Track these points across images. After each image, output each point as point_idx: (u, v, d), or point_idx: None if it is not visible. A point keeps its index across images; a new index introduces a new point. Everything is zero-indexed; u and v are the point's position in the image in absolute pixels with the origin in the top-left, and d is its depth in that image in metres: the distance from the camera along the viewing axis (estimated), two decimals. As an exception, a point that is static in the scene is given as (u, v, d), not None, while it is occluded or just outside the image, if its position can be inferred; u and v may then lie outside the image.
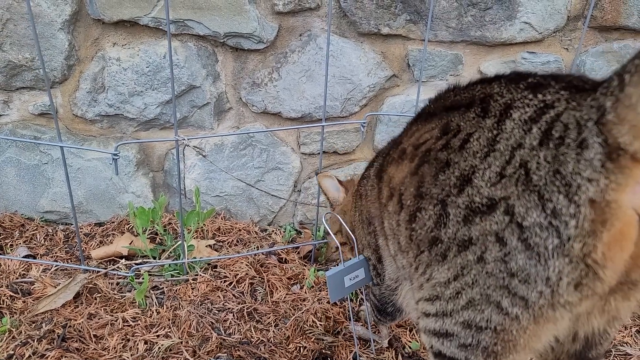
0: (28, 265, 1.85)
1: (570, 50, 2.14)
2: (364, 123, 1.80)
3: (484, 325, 0.91)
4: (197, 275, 1.79)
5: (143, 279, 1.68)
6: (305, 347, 1.48)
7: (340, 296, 1.37)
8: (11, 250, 2.03)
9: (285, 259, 1.96)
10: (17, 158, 2.15)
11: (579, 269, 0.80)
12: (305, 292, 1.74)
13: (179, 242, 1.85)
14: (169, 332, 1.51)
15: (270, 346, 1.48)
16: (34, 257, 1.99)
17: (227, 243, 2.06)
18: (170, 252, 1.95)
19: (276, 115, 2.17)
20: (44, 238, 2.11)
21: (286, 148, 2.23)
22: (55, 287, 1.68)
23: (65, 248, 2.06)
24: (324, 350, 1.48)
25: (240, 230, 2.17)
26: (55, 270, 1.82)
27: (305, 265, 1.92)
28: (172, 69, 1.53)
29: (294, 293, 1.74)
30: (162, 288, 1.75)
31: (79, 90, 2.08)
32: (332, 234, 1.44)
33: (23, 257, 1.95)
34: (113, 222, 2.21)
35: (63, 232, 2.17)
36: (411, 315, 1.31)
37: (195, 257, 1.86)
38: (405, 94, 2.16)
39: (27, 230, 2.14)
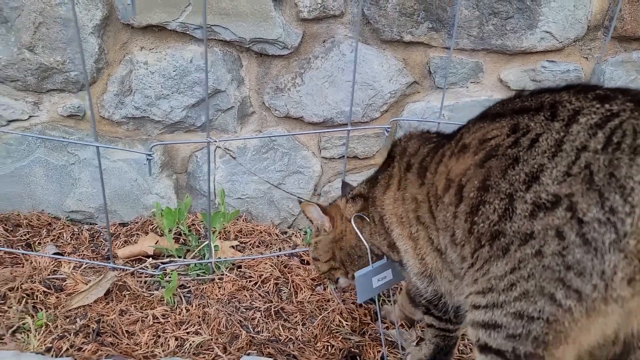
0: (58, 263, 1.89)
1: (590, 60, 2.18)
2: (388, 128, 1.84)
3: (536, 315, 0.95)
4: (222, 274, 1.83)
5: (171, 277, 1.72)
6: (334, 346, 1.51)
7: (368, 297, 1.40)
8: (39, 247, 2.07)
9: (307, 261, 1.99)
10: (45, 158, 2.20)
11: (632, 264, 0.85)
12: (330, 294, 1.78)
13: (206, 242, 1.89)
14: (199, 329, 1.55)
15: (299, 344, 1.52)
16: (62, 255, 2.04)
17: (250, 244, 2.10)
18: (195, 252, 1.99)
19: (298, 119, 2.21)
20: (70, 237, 2.16)
21: (307, 152, 2.27)
22: (86, 284, 1.72)
23: (91, 247, 2.11)
24: (352, 349, 1.51)
25: (261, 232, 2.21)
26: (84, 267, 1.87)
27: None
28: (207, 72, 1.58)
29: (318, 294, 1.78)
30: (189, 287, 1.79)
31: (107, 93, 2.13)
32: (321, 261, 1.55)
33: (52, 254, 2.00)
34: (137, 223, 2.26)
35: (88, 231, 2.21)
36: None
37: (219, 257, 1.90)
38: (425, 100, 2.20)
39: (54, 229, 2.19)
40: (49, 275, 1.78)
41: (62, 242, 2.13)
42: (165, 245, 1.97)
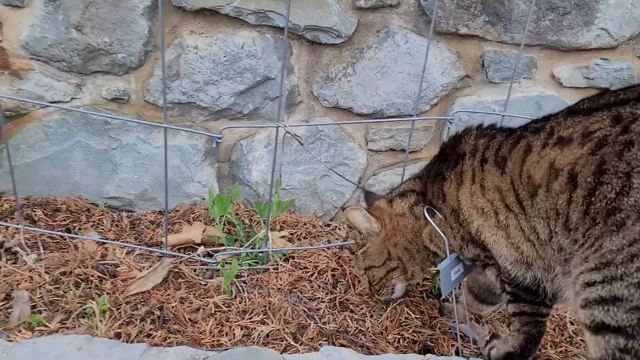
0: (104, 249, 1.84)
1: (643, 59, 2.17)
2: (451, 119, 1.81)
3: None
4: (277, 265, 1.79)
5: (227, 266, 1.67)
6: (406, 338, 1.48)
7: (450, 290, 1.37)
8: (80, 233, 2.01)
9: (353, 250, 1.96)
10: (86, 142, 2.14)
11: None
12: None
13: (263, 231, 1.84)
14: (265, 318, 1.51)
15: (371, 336, 1.48)
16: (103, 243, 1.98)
17: (296, 235, 2.06)
18: (250, 241, 1.95)
19: (346, 110, 2.17)
20: (110, 223, 2.10)
21: (353, 144, 2.23)
22: (141, 271, 1.67)
23: (134, 234, 2.05)
24: (427, 343, 1.48)
25: (305, 224, 2.17)
26: (134, 254, 1.82)
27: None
28: (284, 58, 1.53)
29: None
30: (243, 276, 1.74)
31: (153, 77, 2.08)
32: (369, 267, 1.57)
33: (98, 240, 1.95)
34: (177, 211, 2.20)
35: (128, 218, 2.16)
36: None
37: (274, 247, 1.86)
38: (476, 95, 2.17)
39: (93, 214, 2.13)
40: (101, 260, 1.72)
41: (102, 229, 2.07)
42: (215, 234, 1.92)
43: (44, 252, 1.76)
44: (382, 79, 2.11)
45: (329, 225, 2.26)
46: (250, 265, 1.82)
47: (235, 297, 1.62)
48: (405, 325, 1.56)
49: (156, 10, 2.00)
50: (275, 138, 1.71)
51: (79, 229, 2.04)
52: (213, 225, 2.08)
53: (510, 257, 1.29)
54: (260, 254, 1.84)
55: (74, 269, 1.64)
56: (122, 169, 2.17)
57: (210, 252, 1.88)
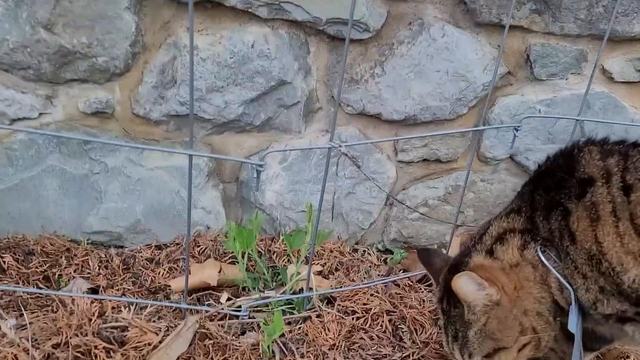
0: (101, 304, 1.46)
1: (695, 48, 1.95)
2: (518, 126, 1.54)
3: None
4: (320, 311, 1.46)
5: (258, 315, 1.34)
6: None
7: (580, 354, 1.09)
8: (63, 282, 1.63)
9: (408, 285, 1.66)
10: (61, 167, 1.74)
11: None
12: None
13: (296, 269, 1.51)
14: (329, 392, 1.19)
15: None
16: (96, 292, 1.61)
17: (327, 268, 1.74)
18: (267, 281, 1.61)
19: (374, 117, 1.87)
20: (98, 265, 1.73)
21: (381, 155, 1.93)
22: (156, 333, 1.31)
23: (130, 278, 1.69)
24: None
25: (332, 251, 1.85)
26: (144, 309, 1.45)
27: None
28: (346, 55, 1.21)
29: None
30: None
31: (143, 85, 1.70)
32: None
33: (87, 291, 1.57)
34: (178, 244, 1.85)
35: (119, 256, 1.78)
36: None
37: (312, 289, 1.54)
38: (519, 94, 1.91)
39: (75, 255, 1.75)
40: (102, 323, 1.35)
41: (89, 273, 1.69)
42: (236, 275, 1.58)
43: (26, 314, 1.37)
44: (416, 80, 1.81)
45: (356, 250, 1.95)
46: (285, 313, 1.49)
47: (285, 359, 1.29)
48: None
49: (142, 2, 1.63)
50: (327, 159, 1.39)
51: (60, 275, 1.66)
52: (227, 262, 1.74)
53: None
54: (296, 299, 1.52)
55: (70, 338, 1.27)
56: (108, 197, 1.79)
57: (231, 298, 1.54)
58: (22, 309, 1.40)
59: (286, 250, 1.82)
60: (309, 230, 1.56)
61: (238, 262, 1.77)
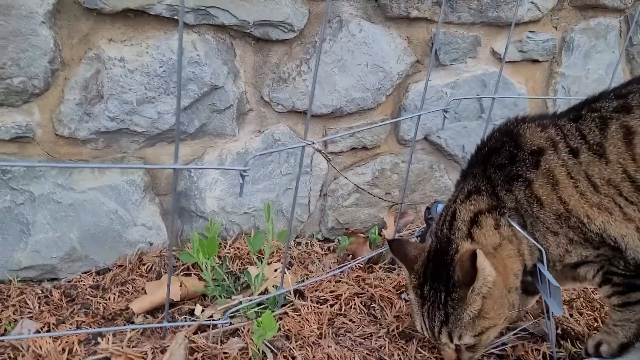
0: (66, 342, 1.36)
1: (559, 29, 2.29)
2: (448, 109, 1.69)
3: None
4: (293, 306, 1.50)
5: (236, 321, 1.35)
6: (491, 354, 1.34)
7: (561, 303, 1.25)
8: (2, 327, 1.48)
9: (367, 268, 1.76)
10: (-22, 202, 1.57)
11: None
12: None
13: (267, 271, 1.53)
14: (337, 378, 1.24)
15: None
16: (48, 330, 1.49)
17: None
18: (229, 287, 1.62)
19: (303, 113, 1.93)
20: (37, 303, 1.59)
21: (311, 149, 1.99)
22: (145, 358, 1.26)
23: (80, 309, 1.58)
24: (511, 355, 1.36)
25: (280, 248, 1.89)
26: (113, 336, 1.38)
27: (391, 271, 1.75)
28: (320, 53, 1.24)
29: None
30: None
31: (65, 103, 1.59)
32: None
33: (35, 332, 1.45)
34: (121, 266, 1.76)
35: (57, 289, 1.66)
36: None
37: (276, 287, 1.57)
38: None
39: (9, 296, 1.59)
40: (85, 357, 1.26)
41: (30, 312, 1.55)
42: (194, 286, 1.56)
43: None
44: (340, 74, 1.90)
45: (299, 243, 2.01)
46: (258, 314, 1.51)
47: (277, 358, 1.31)
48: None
49: (60, 14, 1.52)
50: (300, 157, 1.42)
51: (-1, 320, 1.51)
52: (181, 275, 1.71)
53: None
54: (267, 299, 1.54)
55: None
56: (37, 227, 1.65)
57: (204, 308, 1.52)
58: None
59: (237, 253, 1.82)
60: (269, 229, 1.58)
61: (191, 274, 1.76)
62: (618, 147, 1.19)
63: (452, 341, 1.27)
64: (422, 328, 1.32)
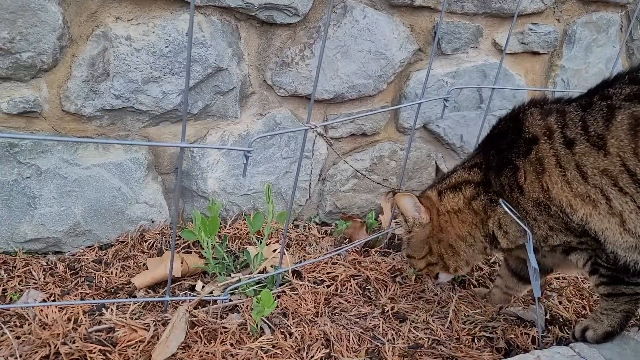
0: (71, 312, 1.41)
1: (561, 21, 2.31)
2: (448, 98, 1.72)
3: None
4: (291, 286, 1.55)
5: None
6: (481, 338, 1.39)
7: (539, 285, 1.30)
8: (8, 297, 1.53)
9: (364, 251, 1.80)
10: (-15, 174, 1.61)
11: None
12: (421, 283, 1.62)
13: (266, 251, 1.57)
14: (330, 352, 1.29)
15: (450, 345, 1.36)
16: (54, 301, 1.53)
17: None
18: (229, 265, 1.66)
19: (305, 97, 1.96)
20: (43, 274, 1.63)
21: (312, 133, 2.03)
22: (146, 330, 1.31)
23: (84, 282, 1.62)
24: (509, 339, 1.40)
25: (278, 230, 1.93)
26: (117, 308, 1.42)
27: (387, 255, 1.79)
28: (326, 33, 1.27)
29: (407, 285, 1.62)
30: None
31: (72, 79, 1.63)
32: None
33: (41, 301, 1.49)
34: (123, 242, 1.80)
35: (61, 262, 1.70)
36: None
37: (274, 267, 1.61)
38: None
39: (15, 267, 1.64)
40: (90, 326, 1.31)
41: (36, 283, 1.60)
42: (198, 263, 1.60)
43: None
44: (343, 60, 1.93)
45: (297, 226, 2.05)
46: (256, 292, 1.55)
47: (276, 334, 1.36)
48: (471, 323, 1.47)
49: (68, -8, 1.55)
50: (303, 141, 1.45)
51: (5, 289, 1.55)
52: (182, 252, 1.75)
53: (624, 243, 1.23)
54: (265, 277, 1.58)
55: (60, 346, 1.22)
56: (43, 201, 1.69)
57: (204, 285, 1.56)
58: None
59: (236, 233, 1.86)
60: (269, 211, 1.62)
61: (191, 252, 1.80)
62: (621, 139, 1.19)
63: (406, 256, 1.58)
64: None
